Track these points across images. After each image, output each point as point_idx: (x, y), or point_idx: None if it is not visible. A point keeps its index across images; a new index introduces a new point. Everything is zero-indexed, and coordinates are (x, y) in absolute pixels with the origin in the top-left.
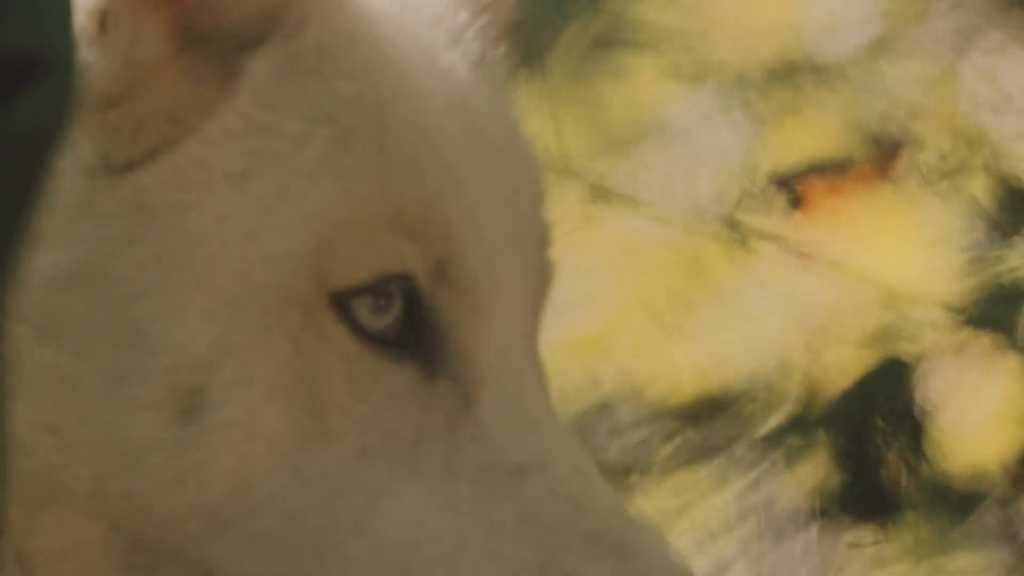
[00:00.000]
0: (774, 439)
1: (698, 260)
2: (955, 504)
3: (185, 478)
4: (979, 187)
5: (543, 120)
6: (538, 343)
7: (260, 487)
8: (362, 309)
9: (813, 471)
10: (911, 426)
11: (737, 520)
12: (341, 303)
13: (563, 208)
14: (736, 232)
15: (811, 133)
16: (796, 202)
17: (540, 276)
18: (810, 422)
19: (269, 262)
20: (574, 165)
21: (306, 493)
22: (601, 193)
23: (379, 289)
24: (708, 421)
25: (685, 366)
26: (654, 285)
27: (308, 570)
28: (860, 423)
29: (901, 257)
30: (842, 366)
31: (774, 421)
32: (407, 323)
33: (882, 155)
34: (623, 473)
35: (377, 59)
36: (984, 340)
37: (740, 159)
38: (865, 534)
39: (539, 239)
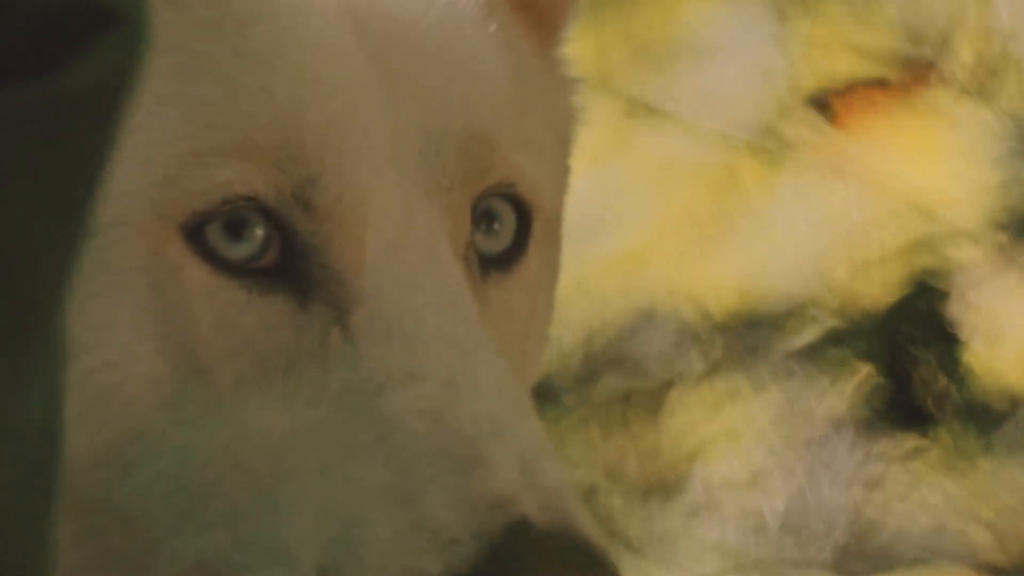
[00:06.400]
0: (811, 351)
1: (735, 175)
2: (988, 414)
3: (79, 423)
4: (1014, 100)
5: (580, 36)
6: (447, 253)
7: (149, 428)
8: (216, 239)
9: (850, 382)
10: (945, 338)
11: (774, 430)
12: (194, 235)
13: (600, 124)
14: (772, 147)
15: (847, 48)
16: (832, 117)
17: (455, 182)
18: (846, 335)
19: (113, 199)
20: (612, 81)
21: (188, 431)
22: (639, 109)
23: (232, 217)
24: (746, 334)
25: (723, 280)
26: (692, 200)
27: (199, 510)
28: (895, 336)
29: (936, 171)
30: (877, 280)
31: (811, 334)
32: (279, 251)
33: (917, 69)
34: (663, 384)
35: None
36: (1018, 252)
37: (777, 74)
38: (900, 443)
39: (466, 140)
